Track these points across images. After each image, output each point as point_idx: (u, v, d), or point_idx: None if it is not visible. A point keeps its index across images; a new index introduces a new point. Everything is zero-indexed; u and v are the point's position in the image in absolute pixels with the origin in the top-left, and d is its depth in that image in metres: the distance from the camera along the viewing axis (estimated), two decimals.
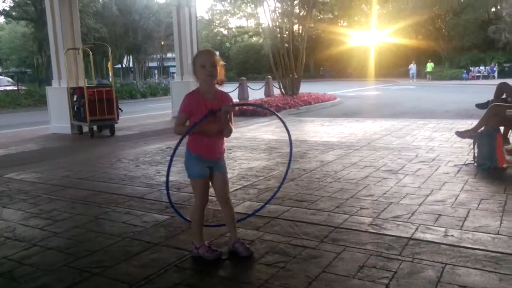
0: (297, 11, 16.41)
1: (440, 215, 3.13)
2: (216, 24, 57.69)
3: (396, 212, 3.22)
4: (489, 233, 2.76)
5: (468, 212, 3.17)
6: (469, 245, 2.58)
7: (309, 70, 40.88)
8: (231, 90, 12.50)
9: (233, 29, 57.29)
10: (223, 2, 54.50)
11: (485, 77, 30.20)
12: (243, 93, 14.82)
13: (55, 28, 9.18)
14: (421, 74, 34.37)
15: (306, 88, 16.97)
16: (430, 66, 32.96)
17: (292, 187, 4.03)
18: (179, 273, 2.40)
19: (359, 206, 3.42)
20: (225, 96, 2.51)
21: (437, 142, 6.21)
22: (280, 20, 15.86)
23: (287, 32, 15.48)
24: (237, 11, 54.84)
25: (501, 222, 2.94)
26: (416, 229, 2.88)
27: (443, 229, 2.85)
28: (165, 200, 3.62)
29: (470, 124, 6.90)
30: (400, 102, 14.95)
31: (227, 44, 53.70)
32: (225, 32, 58.05)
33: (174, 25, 12.02)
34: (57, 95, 9.31)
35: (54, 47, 9.29)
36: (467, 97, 14.68)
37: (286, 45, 15.00)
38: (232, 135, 2.57)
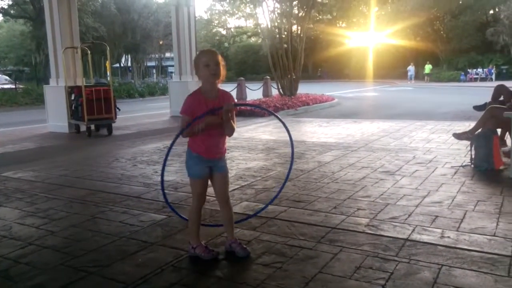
0: (296, 11, 16.40)
1: (436, 216, 3.14)
2: (215, 24, 57.67)
3: (393, 213, 3.23)
4: (486, 235, 2.76)
5: (465, 214, 3.17)
6: (466, 247, 2.59)
7: (308, 71, 40.93)
8: (229, 90, 12.46)
9: (232, 29, 57.30)
10: (222, 2, 54.47)
11: (483, 79, 30.29)
12: (241, 93, 14.82)
13: (54, 27, 9.16)
14: (419, 75, 34.45)
15: (304, 89, 16.99)
16: (428, 68, 33.05)
17: (289, 187, 4.03)
18: (175, 273, 2.39)
19: (356, 207, 3.42)
20: (227, 96, 2.51)
21: (435, 143, 6.22)
22: (279, 21, 15.87)
23: (285, 33, 15.50)
24: (236, 11, 54.82)
25: (497, 224, 2.95)
26: (413, 230, 2.88)
27: (439, 231, 2.86)
28: (162, 200, 3.61)
29: (467, 126, 6.92)
30: (398, 104, 14.97)
31: (226, 44, 53.69)
32: (224, 32, 58.05)
33: (173, 24, 12.03)
34: (55, 93, 9.29)
35: (52, 45, 9.27)
36: (464, 99, 14.71)
37: (285, 45, 15.02)
38: None
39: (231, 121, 2.44)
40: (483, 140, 4.59)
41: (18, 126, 10.60)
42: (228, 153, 5.81)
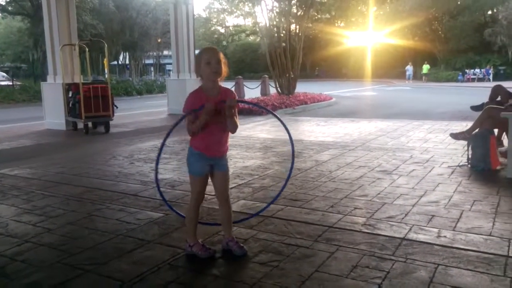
0: (295, 10, 16.39)
1: (433, 216, 3.15)
2: (214, 22, 57.65)
3: (390, 213, 3.24)
4: (482, 235, 2.77)
5: (461, 213, 3.18)
6: (462, 246, 2.60)
7: (306, 70, 40.94)
8: None
9: (230, 28, 57.29)
10: (220, 1, 54.47)
11: (480, 80, 30.36)
12: (239, 92, 14.81)
13: (51, 24, 9.13)
14: (417, 75, 34.53)
15: (302, 88, 16.99)
16: (425, 68, 33.12)
17: (287, 186, 4.02)
18: (172, 271, 2.39)
19: (353, 206, 3.43)
20: (229, 92, 2.51)
21: (432, 143, 6.23)
22: (277, 20, 15.87)
23: (284, 32, 15.49)
24: (235, 10, 54.83)
25: (493, 224, 2.96)
26: (410, 229, 2.89)
27: (436, 230, 2.87)
28: (159, 198, 3.61)
29: (464, 126, 6.94)
30: (396, 103, 15.00)
31: (224, 43, 53.66)
32: (222, 30, 58.04)
33: (171, 22, 12.01)
34: (52, 91, 9.27)
35: (50, 42, 9.25)
36: (462, 99, 14.75)
37: (283, 44, 15.01)
38: None
39: (235, 117, 2.43)
40: (480, 140, 4.61)
41: (15, 123, 10.57)
42: None
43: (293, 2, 16.18)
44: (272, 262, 2.46)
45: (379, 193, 3.75)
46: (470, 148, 4.73)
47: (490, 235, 2.77)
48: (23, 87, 21.06)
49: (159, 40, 37.62)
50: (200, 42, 47.03)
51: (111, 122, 8.65)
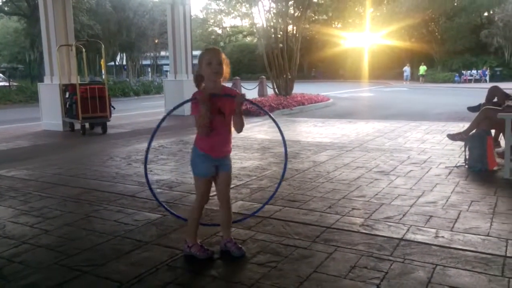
0: (292, 11, 16.46)
1: (431, 216, 3.15)
2: (211, 23, 57.66)
3: (388, 213, 3.24)
4: (479, 235, 2.78)
5: (459, 214, 3.19)
6: (460, 247, 2.61)
7: (303, 71, 41.00)
8: None
9: (228, 29, 57.30)
10: (217, 1, 54.47)
11: (477, 81, 30.47)
12: None
13: (48, 24, 9.10)
14: (414, 76, 34.65)
15: (300, 89, 17.01)
16: (422, 69, 33.24)
17: (284, 187, 4.03)
18: (170, 272, 2.39)
19: (351, 206, 3.43)
20: (234, 91, 2.51)
21: (429, 144, 6.25)
22: (274, 21, 15.88)
23: (281, 33, 15.50)
24: (232, 11, 54.85)
25: (491, 224, 2.97)
26: (407, 230, 2.89)
27: (434, 230, 2.87)
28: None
29: (461, 126, 6.96)
30: (393, 104, 15.03)
31: (221, 44, 53.66)
32: (220, 31, 58.05)
33: (168, 23, 12.00)
34: (49, 91, 9.23)
35: (47, 43, 9.21)
36: (459, 100, 14.80)
37: (280, 45, 15.02)
38: None
39: (242, 115, 2.44)
40: (477, 141, 4.62)
41: (11, 124, 10.53)
42: None
43: (290, 3, 16.25)
44: (270, 263, 2.46)
45: (376, 194, 3.76)
46: (467, 149, 4.74)
47: (487, 235, 2.78)
48: (20, 87, 20.99)
49: (156, 41, 37.56)
50: (197, 43, 47.03)
51: (108, 123, 8.63)
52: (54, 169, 5.17)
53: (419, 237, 2.76)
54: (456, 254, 2.50)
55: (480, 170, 4.51)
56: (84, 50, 9.20)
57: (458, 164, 4.82)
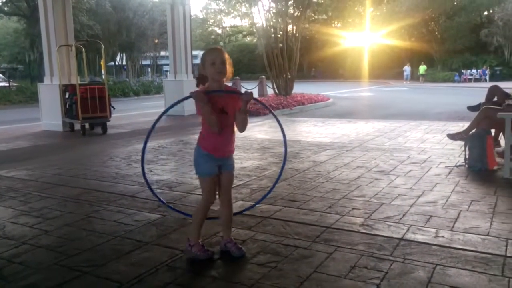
0: (292, 11, 16.46)
1: (431, 216, 3.15)
2: (210, 23, 57.66)
3: (388, 213, 3.24)
4: (479, 234, 2.78)
5: (459, 214, 3.19)
6: (460, 246, 2.60)
7: (303, 71, 41.00)
8: None
9: (227, 28, 57.29)
10: (217, 1, 54.46)
11: (477, 80, 30.48)
12: None
13: (48, 24, 9.10)
14: (414, 76, 34.65)
15: (299, 89, 17.01)
16: (422, 68, 33.24)
17: (284, 187, 4.03)
18: (170, 272, 2.39)
19: (351, 206, 3.43)
20: (236, 91, 2.52)
21: (429, 143, 6.25)
22: (274, 20, 15.88)
23: (281, 32, 15.51)
24: (232, 11, 54.86)
25: (491, 224, 2.97)
26: (407, 230, 2.89)
27: (434, 230, 2.87)
28: (156, 199, 3.60)
29: (461, 126, 6.96)
30: (393, 104, 15.03)
31: (221, 43, 53.64)
32: (219, 31, 58.04)
33: (168, 23, 11.99)
34: (49, 92, 9.23)
35: (47, 43, 9.21)
36: (459, 100, 14.80)
37: (280, 45, 15.03)
38: None
39: (247, 114, 2.45)
40: (477, 141, 4.62)
41: (11, 125, 10.53)
42: None
43: (290, 2, 16.24)
44: (270, 263, 2.46)
45: (376, 194, 3.76)
46: (467, 148, 4.74)
47: (487, 235, 2.78)
48: (20, 88, 20.99)
49: (156, 41, 37.56)
50: (197, 43, 47.07)
51: (108, 123, 8.63)
52: (54, 169, 5.17)
53: (419, 237, 2.76)
54: (456, 254, 2.50)
55: (480, 169, 4.51)
56: (84, 50, 9.20)
57: (458, 164, 4.82)
